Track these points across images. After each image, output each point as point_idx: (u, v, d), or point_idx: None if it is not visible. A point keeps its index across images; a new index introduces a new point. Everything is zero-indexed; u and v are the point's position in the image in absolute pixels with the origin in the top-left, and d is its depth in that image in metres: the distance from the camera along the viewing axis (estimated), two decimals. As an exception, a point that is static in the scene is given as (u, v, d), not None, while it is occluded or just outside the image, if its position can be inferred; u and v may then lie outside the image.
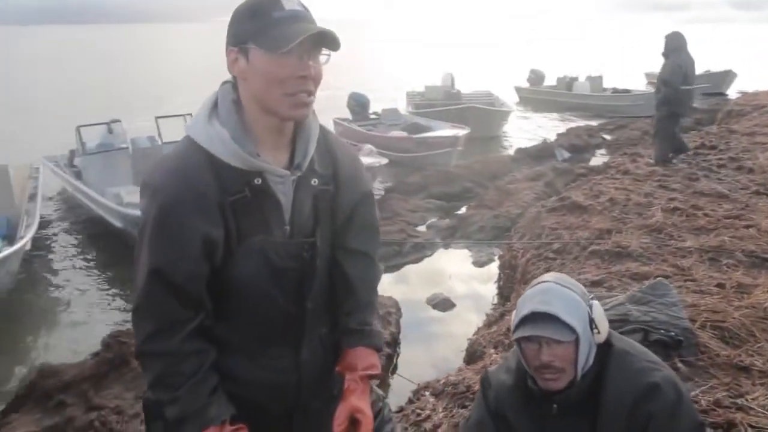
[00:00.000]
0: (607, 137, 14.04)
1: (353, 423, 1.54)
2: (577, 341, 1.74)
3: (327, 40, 1.39)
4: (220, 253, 1.43)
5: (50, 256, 8.27)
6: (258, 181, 1.43)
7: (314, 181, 1.53)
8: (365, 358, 1.62)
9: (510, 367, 1.97)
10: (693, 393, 2.85)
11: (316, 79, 1.42)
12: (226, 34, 1.42)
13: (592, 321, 1.78)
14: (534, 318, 1.75)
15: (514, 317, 1.84)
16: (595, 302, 1.83)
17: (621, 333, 3.11)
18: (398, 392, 4.27)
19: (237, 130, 1.42)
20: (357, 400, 1.56)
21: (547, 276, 1.89)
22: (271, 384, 1.57)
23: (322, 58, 1.44)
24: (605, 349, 1.83)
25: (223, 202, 1.41)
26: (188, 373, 1.43)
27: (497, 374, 2.02)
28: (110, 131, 9.98)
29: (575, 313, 1.74)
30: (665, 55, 7.76)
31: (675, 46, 7.69)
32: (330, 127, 13.73)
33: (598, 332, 1.79)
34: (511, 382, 1.94)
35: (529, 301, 1.78)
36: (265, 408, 1.59)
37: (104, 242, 8.30)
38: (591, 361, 1.81)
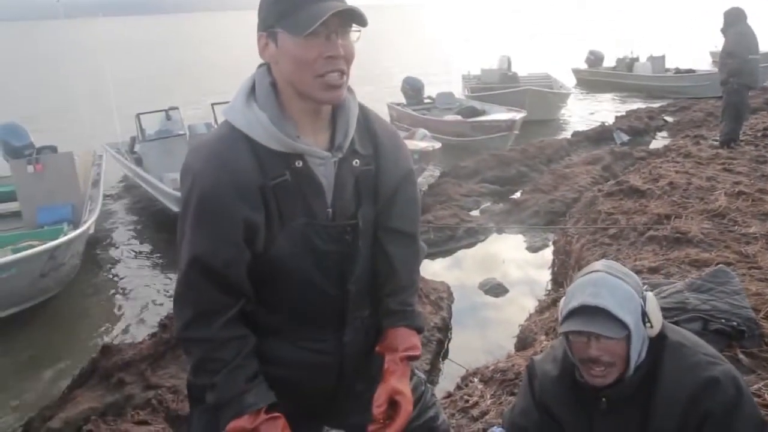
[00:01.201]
0: (669, 119, 13.55)
1: (392, 405, 1.52)
2: (628, 337, 1.65)
3: (354, 17, 1.36)
4: (262, 237, 1.42)
5: (111, 240, 8.57)
6: (299, 163, 1.42)
7: (356, 162, 1.51)
8: (406, 339, 1.59)
9: (557, 356, 1.90)
10: (756, 386, 2.73)
11: (348, 58, 1.40)
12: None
13: (645, 314, 1.68)
14: (583, 311, 1.66)
15: (562, 307, 1.76)
16: (649, 294, 1.74)
17: (678, 321, 3.03)
18: (449, 377, 4.26)
19: (276, 113, 1.40)
20: (397, 382, 1.53)
21: (597, 264, 1.79)
22: (313, 365, 1.57)
23: (353, 35, 1.41)
24: (659, 341, 1.73)
25: (264, 185, 1.39)
26: (227, 359, 1.43)
27: (543, 364, 1.95)
28: (168, 118, 10.25)
29: (627, 306, 1.65)
30: (724, 30, 7.48)
31: (733, 19, 7.44)
32: (384, 111, 13.79)
33: (651, 326, 1.70)
34: (557, 373, 1.87)
35: (579, 293, 1.70)
36: (308, 389, 1.59)
37: (163, 226, 8.54)
38: (644, 354, 1.72)
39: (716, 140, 8.05)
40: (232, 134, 1.42)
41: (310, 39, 1.33)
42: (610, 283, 1.69)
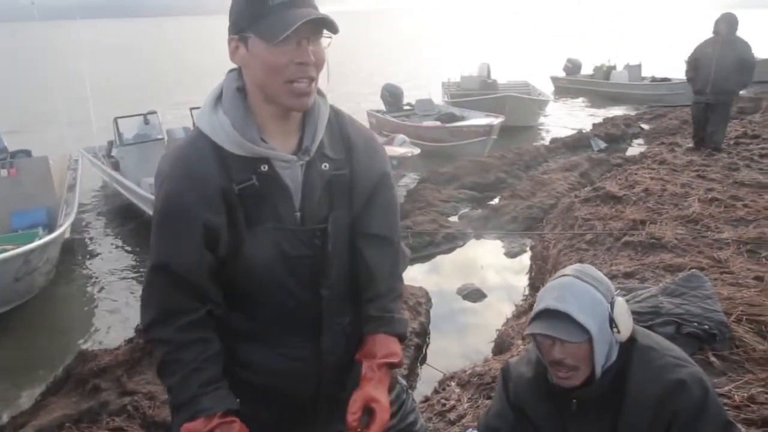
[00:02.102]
0: (645, 127, 13.74)
1: (368, 412, 1.49)
2: (590, 341, 1.68)
3: (325, 24, 1.37)
4: (225, 241, 1.42)
5: (88, 245, 8.47)
6: (265, 167, 1.41)
7: (325, 166, 1.49)
8: (385, 346, 1.56)
9: (531, 359, 1.92)
10: (727, 388, 2.78)
11: (318, 65, 1.40)
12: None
13: (612, 320, 1.71)
14: (547, 314, 1.70)
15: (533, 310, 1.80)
16: (619, 299, 1.76)
17: (652, 325, 3.08)
18: (427, 382, 4.27)
19: (239, 117, 1.40)
20: (373, 389, 1.50)
21: (569, 269, 1.81)
22: (291, 373, 1.55)
23: (324, 41, 1.41)
24: (629, 344, 1.76)
25: (229, 189, 1.39)
26: (185, 360, 1.42)
27: (518, 366, 1.98)
28: (146, 122, 10.17)
29: (591, 311, 1.68)
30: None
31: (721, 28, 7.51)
32: (364, 118, 13.82)
33: (618, 331, 1.72)
34: (531, 375, 1.89)
35: (546, 296, 1.73)
36: (288, 396, 1.57)
37: (140, 231, 8.46)
38: (613, 357, 1.75)
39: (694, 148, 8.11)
40: (198, 139, 1.42)
41: (281, 45, 1.33)
42: (576, 288, 1.71)
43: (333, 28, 1.38)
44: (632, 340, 1.78)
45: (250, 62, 1.38)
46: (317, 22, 1.34)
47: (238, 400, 1.46)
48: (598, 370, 1.72)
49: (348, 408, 1.49)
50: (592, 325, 1.66)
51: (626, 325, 1.74)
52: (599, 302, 1.70)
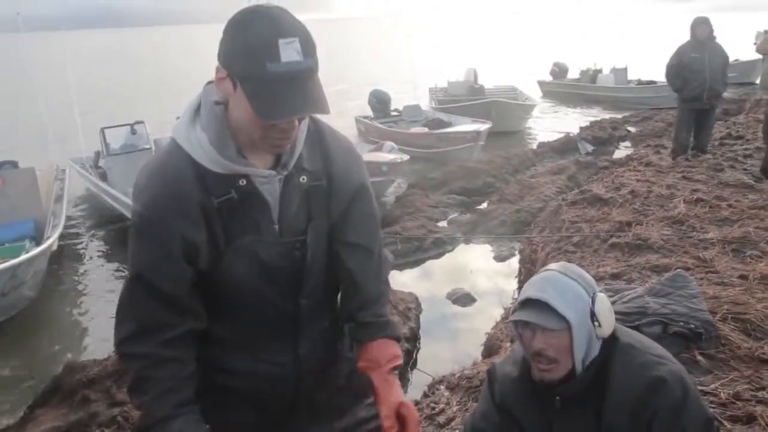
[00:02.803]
0: (632, 129, 13.86)
1: (399, 419, 1.53)
2: (570, 331, 1.70)
3: (316, 111, 1.34)
4: (204, 255, 1.42)
5: (75, 256, 8.43)
6: (243, 182, 1.41)
7: (303, 179, 1.49)
8: (386, 350, 1.58)
9: (516, 359, 1.94)
10: (713, 386, 2.80)
11: (300, 124, 1.42)
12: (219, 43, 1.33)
13: (593, 314, 1.74)
14: (528, 304, 1.73)
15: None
16: (601, 295, 1.79)
17: (639, 325, 3.10)
18: (417, 386, 4.28)
19: (217, 134, 1.37)
20: (394, 396, 1.54)
21: (553, 265, 1.85)
22: (270, 377, 1.56)
23: None
24: (610, 342, 1.79)
25: (207, 203, 1.39)
26: (161, 378, 1.40)
27: (503, 366, 2.00)
28: (133, 132, 10.15)
29: (571, 303, 1.71)
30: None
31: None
32: (350, 125, 13.85)
33: (599, 326, 1.75)
34: (517, 374, 1.91)
35: (529, 288, 1.77)
36: (267, 401, 1.58)
37: (127, 242, 8.41)
38: (595, 352, 1.77)
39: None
40: (176, 152, 1.40)
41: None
42: (558, 281, 1.75)
43: (325, 112, 1.32)
44: (614, 338, 1.80)
45: (234, 104, 1.34)
46: (310, 111, 1.32)
47: (207, 426, 1.45)
48: (578, 365, 1.74)
49: (383, 422, 1.52)
50: (571, 315, 1.69)
51: (608, 320, 1.77)
52: (580, 296, 1.74)
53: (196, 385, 1.46)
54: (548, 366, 1.74)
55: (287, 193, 1.47)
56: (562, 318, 1.69)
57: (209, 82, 1.44)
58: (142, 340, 1.41)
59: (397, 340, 1.63)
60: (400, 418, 1.52)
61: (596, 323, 1.73)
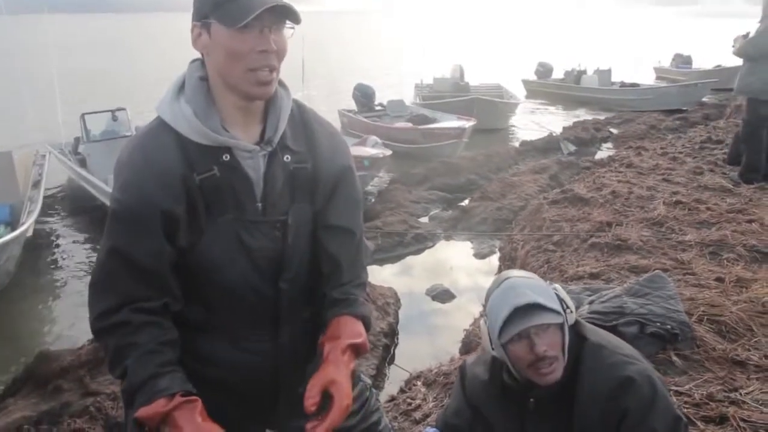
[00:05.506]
0: (614, 131, 13.95)
1: (328, 398, 1.40)
2: (562, 324, 1.73)
3: (288, 13, 1.37)
4: (185, 231, 1.41)
5: (51, 243, 8.30)
6: (226, 157, 1.41)
7: (287, 158, 1.49)
8: (349, 327, 1.50)
9: (486, 360, 1.94)
10: (687, 386, 2.83)
11: (280, 54, 1.40)
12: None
13: (562, 301, 1.76)
14: (518, 313, 1.70)
15: (490, 327, 1.78)
16: (556, 285, 1.83)
17: (616, 325, 3.12)
18: (395, 382, 4.27)
19: (201, 106, 1.40)
20: (334, 372, 1.42)
21: (502, 275, 1.84)
22: (249, 366, 1.54)
23: (287, 32, 1.42)
24: (580, 342, 1.80)
25: (189, 178, 1.38)
26: (141, 342, 1.36)
27: (474, 367, 2.00)
28: (115, 119, 10.01)
29: (549, 297, 1.74)
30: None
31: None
32: (335, 118, 13.79)
33: (571, 311, 1.77)
34: (486, 377, 1.91)
35: (503, 303, 1.73)
36: (245, 391, 1.56)
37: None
38: (569, 341, 1.79)
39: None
40: (159, 128, 1.42)
41: (243, 32, 1.33)
42: (525, 283, 1.76)
43: (296, 18, 1.38)
44: (583, 338, 1.81)
45: (212, 49, 1.38)
46: (279, 10, 1.34)
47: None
48: (566, 356, 1.76)
49: (306, 392, 1.40)
50: (556, 307, 1.72)
51: (573, 306, 1.80)
52: (548, 289, 1.77)
53: (179, 352, 1.43)
54: (551, 367, 1.73)
55: (271, 171, 1.47)
56: (554, 312, 1.71)
57: (194, 60, 1.47)
58: (120, 311, 1.38)
59: (364, 320, 1.56)
60: (330, 398, 1.40)
61: (568, 309, 1.75)
